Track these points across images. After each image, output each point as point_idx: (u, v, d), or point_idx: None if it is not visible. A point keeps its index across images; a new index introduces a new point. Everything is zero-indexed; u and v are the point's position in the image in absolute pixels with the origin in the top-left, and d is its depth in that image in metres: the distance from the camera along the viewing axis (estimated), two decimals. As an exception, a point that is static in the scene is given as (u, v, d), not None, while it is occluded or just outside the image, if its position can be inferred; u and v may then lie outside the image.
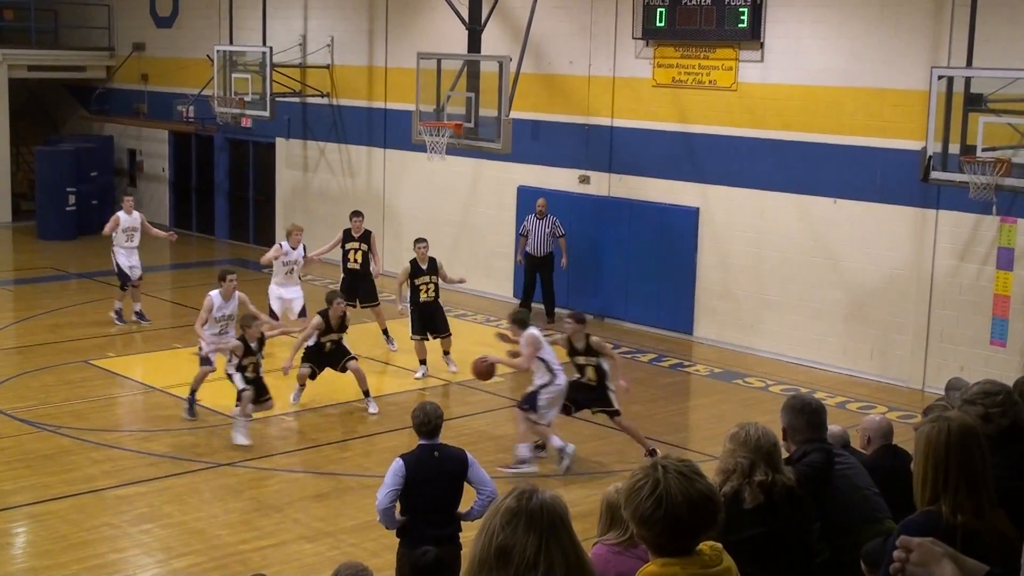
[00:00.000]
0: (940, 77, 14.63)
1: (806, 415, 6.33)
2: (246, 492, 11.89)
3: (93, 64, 29.30)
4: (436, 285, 15.94)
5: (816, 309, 16.99)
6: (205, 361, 14.09)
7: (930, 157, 14.66)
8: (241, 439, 13.06)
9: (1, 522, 11.09)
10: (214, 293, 14.24)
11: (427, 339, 15.94)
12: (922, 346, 15.94)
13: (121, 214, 18.48)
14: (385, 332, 17.22)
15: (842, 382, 16.21)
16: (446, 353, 16.13)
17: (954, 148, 14.63)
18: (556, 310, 19.28)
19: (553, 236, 18.90)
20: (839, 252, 16.70)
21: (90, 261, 22.31)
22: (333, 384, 15.06)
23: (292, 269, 16.65)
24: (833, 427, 7.04)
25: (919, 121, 15.15)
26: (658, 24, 18.08)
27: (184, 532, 10.84)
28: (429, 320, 15.94)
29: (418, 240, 16.11)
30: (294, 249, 16.69)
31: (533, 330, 12.64)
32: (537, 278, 19.17)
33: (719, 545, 3.71)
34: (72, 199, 26.15)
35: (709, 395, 16.06)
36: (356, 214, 17.38)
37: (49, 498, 11.55)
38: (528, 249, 19.04)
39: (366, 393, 14.36)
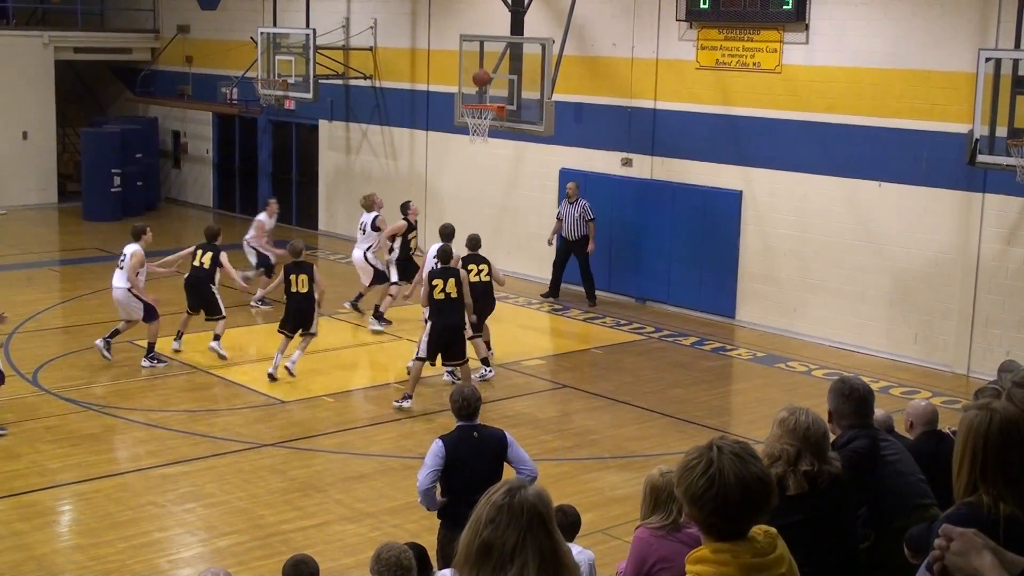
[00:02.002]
0: (988, 59, 14.47)
1: (853, 400, 6.27)
2: (288, 472, 11.96)
3: (138, 46, 29.49)
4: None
5: (860, 293, 16.87)
6: (153, 314, 15.29)
7: (977, 140, 14.52)
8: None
9: (48, 500, 11.23)
10: (138, 246, 15.18)
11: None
12: (967, 331, 15.80)
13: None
14: None
15: (885, 367, 16.09)
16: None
17: (1001, 131, 14.49)
18: (597, 293, 19.29)
19: (583, 220, 18.90)
20: (884, 236, 16.56)
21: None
22: (373, 365, 15.16)
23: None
24: (877, 411, 6.99)
25: (966, 104, 15.01)
26: (702, 6, 17.98)
27: (227, 511, 10.93)
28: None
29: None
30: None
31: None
32: (575, 262, 19.17)
33: (773, 531, 3.67)
34: (117, 180, 26.36)
35: (751, 379, 16.00)
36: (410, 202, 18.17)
37: (95, 476, 11.69)
38: (563, 233, 19.08)
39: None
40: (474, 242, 15.17)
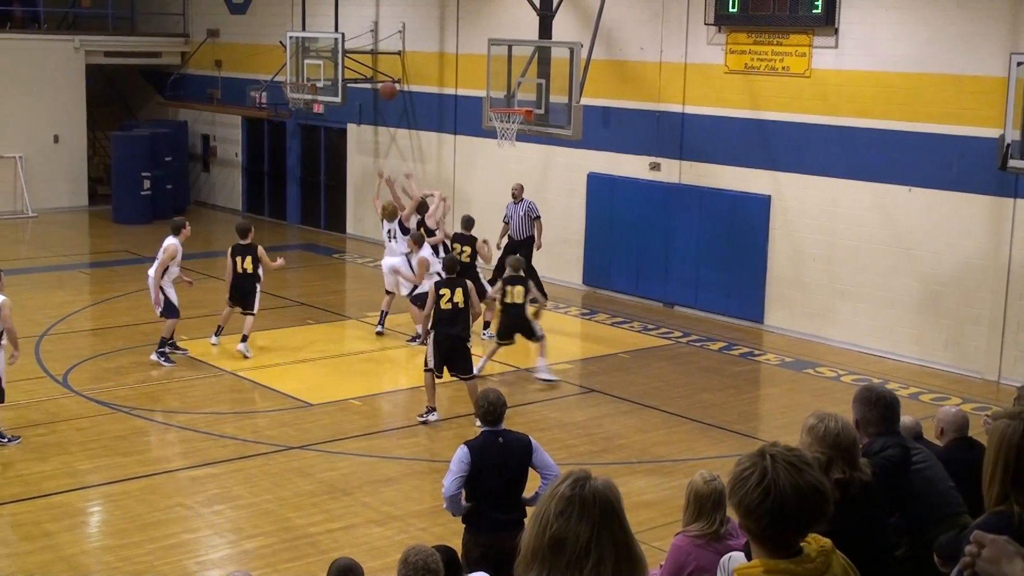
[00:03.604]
0: (1019, 63, 14.36)
1: (879, 408, 6.22)
2: (316, 475, 11.98)
3: (168, 50, 29.66)
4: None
5: (889, 298, 16.77)
6: (173, 311, 15.47)
7: (1008, 145, 14.41)
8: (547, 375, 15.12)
9: (77, 501, 11.29)
10: (175, 240, 15.41)
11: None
12: (998, 337, 15.68)
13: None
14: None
15: (915, 373, 16.00)
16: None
17: (1033, 136, 14.38)
18: (632, 298, 19.25)
19: (528, 219, 18.79)
20: (913, 241, 16.47)
21: (164, 245, 22.66)
22: (401, 369, 15.18)
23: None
24: (905, 418, 6.95)
25: (997, 108, 14.89)
26: (731, 10, 17.93)
27: (255, 514, 10.96)
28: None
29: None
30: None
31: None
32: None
33: (828, 544, 3.53)
34: (147, 184, 26.51)
35: (780, 385, 15.93)
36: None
37: (124, 478, 11.74)
38: (511, 233, 18.69)
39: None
40: (466, 223, 16.89)
